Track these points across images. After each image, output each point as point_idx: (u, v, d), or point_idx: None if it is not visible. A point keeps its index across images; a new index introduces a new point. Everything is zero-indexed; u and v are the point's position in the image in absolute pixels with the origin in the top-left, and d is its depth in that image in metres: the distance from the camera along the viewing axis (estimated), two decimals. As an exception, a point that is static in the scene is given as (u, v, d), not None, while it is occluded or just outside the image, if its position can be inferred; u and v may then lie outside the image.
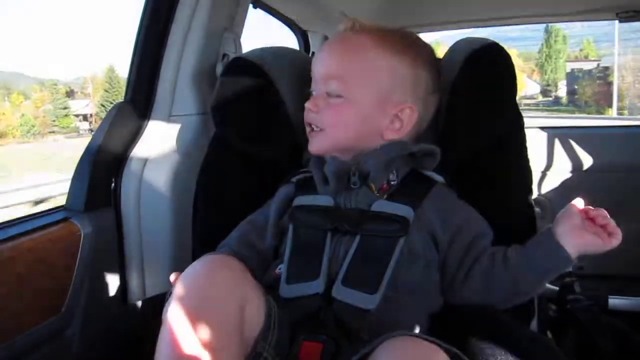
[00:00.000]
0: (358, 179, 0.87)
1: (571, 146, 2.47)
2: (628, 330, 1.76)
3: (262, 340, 0.68)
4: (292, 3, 1.94)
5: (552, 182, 2.48)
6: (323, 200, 0.89)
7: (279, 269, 0.86)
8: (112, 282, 1.28)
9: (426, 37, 2.72)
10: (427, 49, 0.98)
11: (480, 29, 2.55)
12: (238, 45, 1.54)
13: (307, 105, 0.93)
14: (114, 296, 1.29)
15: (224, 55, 1.48)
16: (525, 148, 1.03)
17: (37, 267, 1.04)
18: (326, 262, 0.81)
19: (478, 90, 0.99)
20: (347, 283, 0.78)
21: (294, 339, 0.74)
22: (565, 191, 2.45)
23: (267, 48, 1.16)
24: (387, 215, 0.84)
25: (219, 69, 1.43)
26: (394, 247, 0.81)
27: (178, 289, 0.65)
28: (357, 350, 0.65)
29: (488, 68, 1.00)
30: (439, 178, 0.94)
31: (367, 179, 0.87)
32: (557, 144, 2.48)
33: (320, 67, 0.94)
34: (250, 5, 1.61)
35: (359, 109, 0.90)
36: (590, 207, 0.82)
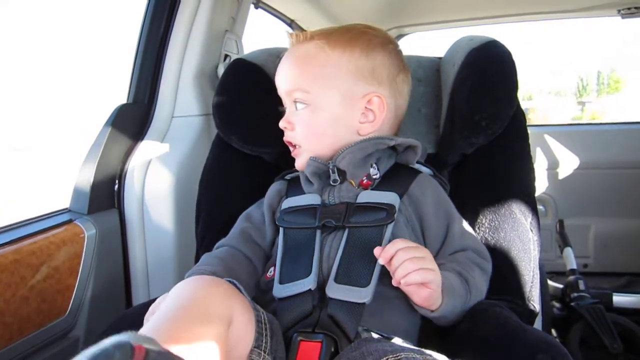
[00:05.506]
0: (338, 176, 0.88)
1: (574, 143, 2.47)
2: (633, 327, 1.76)
3: (256, 349, 0.68)
4: (293, 3, 1.95)
5: (555, 179, 2.48)
6: (310, 199, 0.89)
7: (271, 271, 0.86)
8: (117, 283, 1.29)
9: (426, 36, 2.73)
10: (378, 34, 0.95)
11: (481, 27, 2.54)
12: (240, 46, 1.54)
13: (280, 124, 0.94)
14: (119, 297, 1.30)
15: (226, 56, 1.48)
16: (528, 145, 1.03)
17: (42, 269, 1.05)
18: (317, 260, 0.81)
19: (479, 87, 0.98)
20: (340, 280, 0.78)
21: (290, 341, 0.74)
22: (569, 188, 2.45)
23: (268, 49, 1.16)
24: (373, 205, 0.84)
25: (221, 70, 1.44)
26: (382, 237, 0.81)
27: (164, 307, 0.62)
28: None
29: (488, 65, 1.00)
30: (425, 170, 0.94)
31: (346, 176, 0.88)
32: (560, 141, 2.47)
33: (280, 83, 0.95)
34: (252, 6, 1.62)
35: (327, 112, 0.89)
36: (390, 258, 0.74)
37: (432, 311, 0.77)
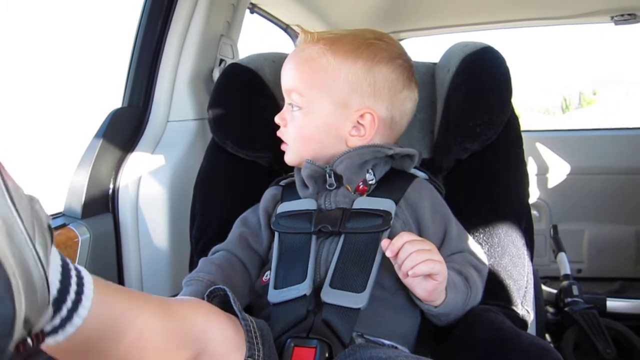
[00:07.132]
0: (334, 181, 0.87)
1: (568, 149, 2.48)
2: (627, 332, 1.76)
3: (249, 358, 0.67)
4: (289, 8, 1.95)
5: (549, 185, 2.49)
6: (306, 204, 0.89)
7: (267, 276, 0.86)
8: (110, 288, 1.28)
9: (424, 41, 2.74)
10: (388, 47, 0.92)
11: (475, 32, 2.55)
12: (235, 51, 1.54)
13: (276, 119, 0.94)
14: (112, 302, 1.29)
15: (221, 60, 1.48)
16: (522, 150, 1.03)
17: (35, 273, 1.04)
18: (312, 265, 0.81)
19: (473, 93, 0.99)
20: (335, 285, 0.77)
21: (284, 346, 0.73)
22: (562, 194, 2.46)
23: (263, 54, 1.16)
24: (369, 211, 0.84)
25: (216, 75, 1.44)
26: (378, 243, 0.80)
27: None
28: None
29: (482, 71, 1.00)
30: (421, 174, 0.94)
31: (342, 181, 0.88)
32: (554, 147, 2.49)
33: (282, 80, 0.94)
34: (247, 11, 1.62)
35: (318, 119, 0.89)
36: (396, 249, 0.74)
37: (436, 307, 0.77)
